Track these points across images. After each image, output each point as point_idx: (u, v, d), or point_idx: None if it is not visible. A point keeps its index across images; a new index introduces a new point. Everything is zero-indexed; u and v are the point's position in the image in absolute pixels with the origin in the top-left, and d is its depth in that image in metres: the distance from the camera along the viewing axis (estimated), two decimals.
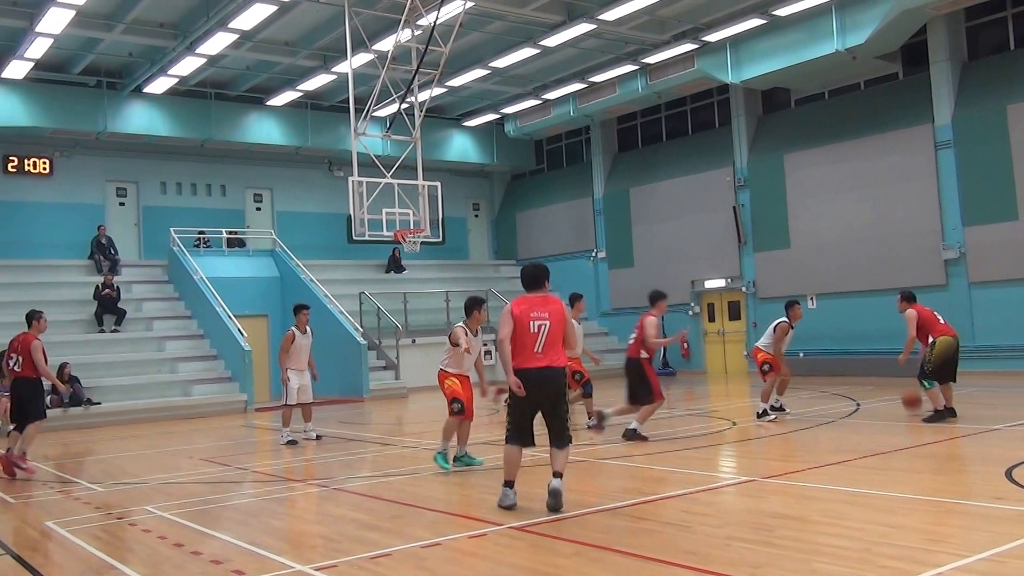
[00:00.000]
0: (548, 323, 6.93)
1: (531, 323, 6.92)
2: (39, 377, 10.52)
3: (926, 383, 10.95)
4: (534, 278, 7.21)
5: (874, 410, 13.01)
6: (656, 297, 11.01)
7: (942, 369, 10.90)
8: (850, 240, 20.32)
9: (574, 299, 12.45)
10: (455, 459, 9.42)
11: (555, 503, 6.80)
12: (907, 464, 8.53)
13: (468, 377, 9.32)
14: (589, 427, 11.04)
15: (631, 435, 10.78)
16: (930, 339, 10.94)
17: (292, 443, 12.48)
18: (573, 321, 11.03)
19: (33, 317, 10.70)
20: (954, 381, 11.10)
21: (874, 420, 12.01)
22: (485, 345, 9.93)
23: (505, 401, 7.30)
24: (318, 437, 12.84)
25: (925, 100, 19.32)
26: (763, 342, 12.38)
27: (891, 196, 19.68)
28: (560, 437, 6.97)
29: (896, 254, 19.40)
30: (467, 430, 9.45)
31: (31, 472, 10.44)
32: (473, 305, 9.24)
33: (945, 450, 9.07)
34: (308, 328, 12.80)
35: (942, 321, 11.16)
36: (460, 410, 9.14)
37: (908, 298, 11.32)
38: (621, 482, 8.57)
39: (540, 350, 6.89)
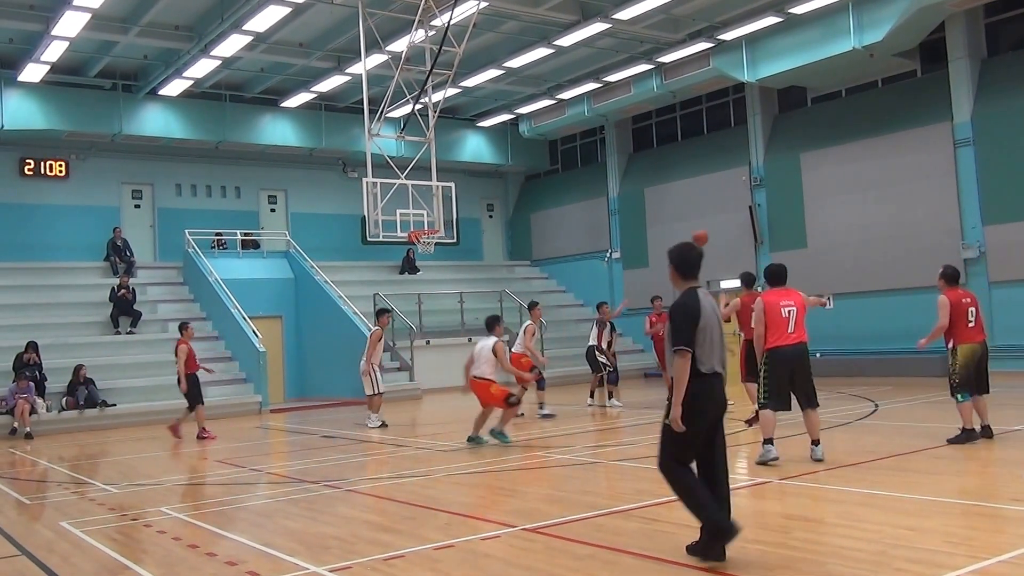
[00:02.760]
0: (795, 308, 8.69)
1: (781, 309, 8.66)
2: (191, 372, 14.18)
3: (958, 396, 9.42)
4: (778, 275, 8.96)
5: (892, 411, 12.88)
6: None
7: (969, 379, 9.39)
8: (868, 239, 20.14)
9: (531, 306, 15.25)
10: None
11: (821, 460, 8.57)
12: (926, 466, 8.42)
13: None
14: (541, 416, 14.23)
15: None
16: (951, 344, 9.45)
17: (384, 426, 14.41)
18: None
19: (183, 327, 14.79)
20: (987, 392, 9.60)
21: (892, 421, 11.89)
22: (506, 346, 11.36)
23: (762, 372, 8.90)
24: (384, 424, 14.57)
25: (944, 97, 19.13)
26: None
27: (910, 195, 19.49)
28: (811, 400, 8.69)
29: (915, 253, 19.19)
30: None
31: (213, 438, 14.01)
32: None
33: (965, 452, 8.96)
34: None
35: (971, 323, 9.43)
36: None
37: (947, 277, 9.62)
38: (634, 484, 8.52)
39: (792, 330, 8.63)
